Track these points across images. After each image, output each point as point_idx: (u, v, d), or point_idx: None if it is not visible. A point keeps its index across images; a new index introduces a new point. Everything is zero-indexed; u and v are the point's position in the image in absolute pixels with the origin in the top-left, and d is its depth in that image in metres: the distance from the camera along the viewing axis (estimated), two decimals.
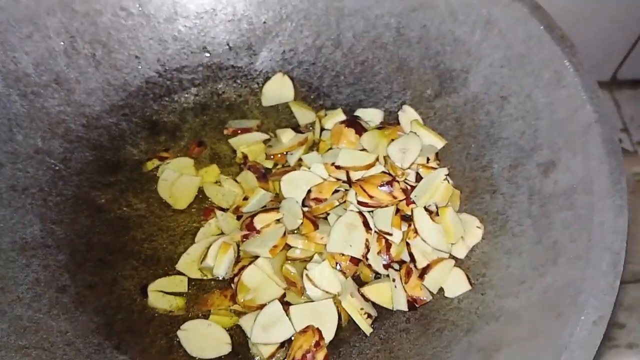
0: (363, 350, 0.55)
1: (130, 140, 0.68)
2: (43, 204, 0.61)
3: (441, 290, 0.56)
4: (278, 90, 0.72)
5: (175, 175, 0.64)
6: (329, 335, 0.54)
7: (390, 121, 0.68)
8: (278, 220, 0.58)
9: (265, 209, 0.60)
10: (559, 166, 0.54)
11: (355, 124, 0.65)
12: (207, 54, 0.72)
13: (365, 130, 0.64)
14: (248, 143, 0.67)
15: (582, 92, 0.54)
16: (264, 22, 0.72)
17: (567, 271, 0.48)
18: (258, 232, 0.58)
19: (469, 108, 0.63)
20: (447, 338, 0.52)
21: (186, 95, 0.71)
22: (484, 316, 0.51)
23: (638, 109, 0.96)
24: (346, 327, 0.57)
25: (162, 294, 0.58)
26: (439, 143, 0.64)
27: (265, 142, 0.68)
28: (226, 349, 0.55)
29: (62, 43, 0.66)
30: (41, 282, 0.57)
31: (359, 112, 0.68)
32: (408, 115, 0.66)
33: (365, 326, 0.55)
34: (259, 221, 0.58)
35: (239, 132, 0.68)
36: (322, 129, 0.68)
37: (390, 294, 0.56)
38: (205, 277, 0.59)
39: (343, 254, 0.55)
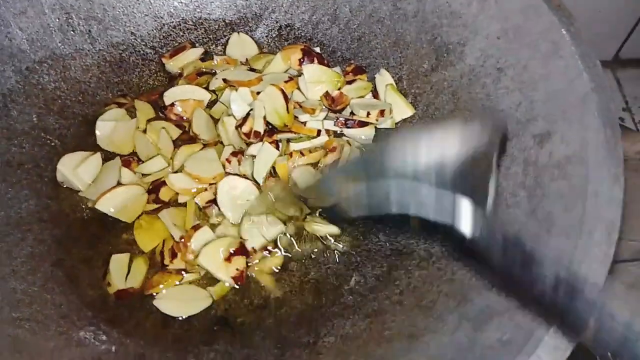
0: (356, 322, 0.55)
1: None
2: (39, 179, 0.62)
3: (434, 261, 0.56)
4: (240, 49, 0.72)
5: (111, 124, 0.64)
6: None
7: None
8: None
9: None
10: (554, 137, 0.53)
11: (310, 53, 0.67)
12: (203, 30, 0.72)
13: (320, 63, 0.67)
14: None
15: (579, 62, 0.53)
16: None
17: (561, 241, 0.47)
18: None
19: (465, 81, 0.62)
20: (439, 309, 0.52)
21: (182, 72, 0.71)
22: (476, 287, 0.51)
23: None
24: (340, 300, 0.57)
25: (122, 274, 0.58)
26: (407, 112, 0.65)
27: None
28: (208, 301, 0.57)
29: (57, 19, 0.66)
30: (36, 256, 0.57)
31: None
32: (384, 78, 0.67)
33: None
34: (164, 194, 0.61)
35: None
36: None
37: None
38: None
39: None
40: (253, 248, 0.58)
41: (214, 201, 0.60)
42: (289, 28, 0.72)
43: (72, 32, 0.67)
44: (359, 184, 0.48)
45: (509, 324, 0.45)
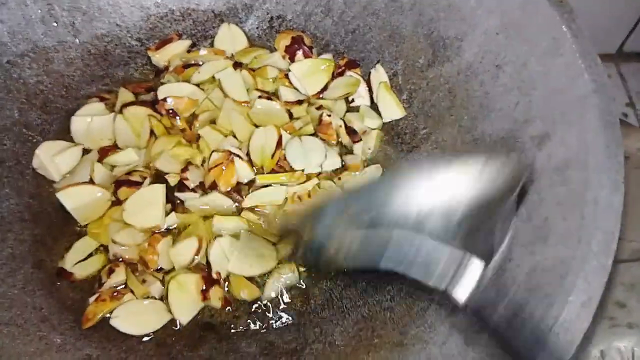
0: (346, 328, 0.54)
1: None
2: (20, 177, 0.60)
3: None
4: (229, 41, 0.69)
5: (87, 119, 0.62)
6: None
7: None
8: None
9: (128, 181, 0.58)
10: (553, 139, 0.51)
11: (299, 42, 0.66)
12: (191, 22, 0.69)
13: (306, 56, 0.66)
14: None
15: (579, 60, 0.50)
16: None
17: (558, 250, 0.45)
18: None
19: (463, 78, 0.60)
20: (430, 318, 0.50)
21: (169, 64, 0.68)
22: None
23: None
24: (329, 305, 0.55)
25: (81, 263, 0.56)
26: (397, 113, 0.64)
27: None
28: (167, 316, 0.54)
29: (39, 10, 0.63)
30: (17, 257, 0.56)
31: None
32: (379, 75, 0.66)
33: None
34: (122, 194, 0.58)
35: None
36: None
37: None
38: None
39: None
40: (218, 273, 0.56)
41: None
42: (280, 19, 0.70)
43: (55, 24, 0.64)
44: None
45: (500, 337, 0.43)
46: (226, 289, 0.56)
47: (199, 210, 0.58)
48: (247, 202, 0.59)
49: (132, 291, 0.55)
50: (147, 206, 0.56)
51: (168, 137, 0.61)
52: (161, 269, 0.56)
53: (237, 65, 0.65)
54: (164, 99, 0.63)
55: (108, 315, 0.54)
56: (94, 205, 0.58)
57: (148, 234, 0.56)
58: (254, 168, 0.60)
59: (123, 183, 0.58)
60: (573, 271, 0.43)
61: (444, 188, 0.38)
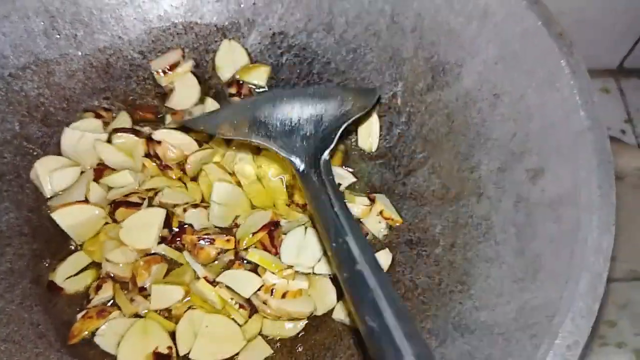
0: (337, 353, 0.55)
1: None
2: (20, 190, 0.60)
3: (419, 293, 0.55)
4: (230, 58, 0.69)
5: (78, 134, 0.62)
6: None
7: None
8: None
9: (127, 202, 0.58)
10: (547, 174, 0.51)
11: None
12: (194, 35, 0.70)
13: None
14: None
15: (576, 96, 0.50)
16: (254, 3, 0.69)
17: (546, 289, 0.46)
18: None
19: (461, 104, 0.60)
20: None
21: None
22: (459, 327, 0.50)
23: None
24: (322, 328, 0.56)
25: (72, 278, 0.57)
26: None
27: None
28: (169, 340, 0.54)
29: (42, 23, 0.64)
30: (15, 272, 0.57)
31: None
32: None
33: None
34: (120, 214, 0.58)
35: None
36: None
37: None
38: None
39: None
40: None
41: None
42: (282, 35, 0.70)
43: (57, 37, 0.65)
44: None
45: None
46: None
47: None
48: (221, 278, 0.56)
49: (119, 309, 0.55)
50: (143, 227, 0.57)
51: (161, 177, 0.61)
52: (144, 289, 0.56)
53: None
54: (159, 142, 0.62)
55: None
56: (89, 224, 0.58)
57: (141, 255, 0.57)
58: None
59: (121, 204, 0.58)
60: (561, 312, 0.43)
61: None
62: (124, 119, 0.65)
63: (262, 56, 0.70)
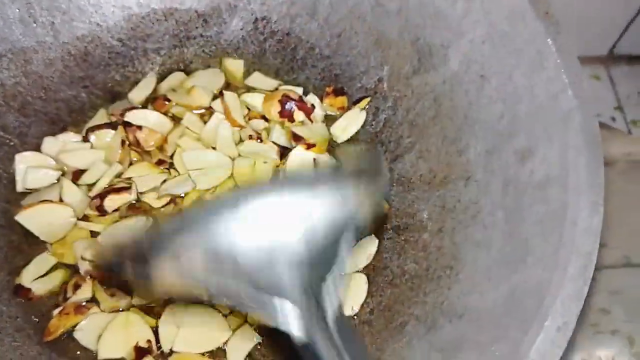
0: None
1: (91, 113, 0.64)
2: None
3: (407, 279, 0.54)
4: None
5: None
6: None
7: None
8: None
9: (115, 188, 0.57)
10: (536, 155, 0.50)
11: (287, 100, 0.63)
12: (174, 22, 0.68)
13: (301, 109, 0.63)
14: None
15: (563, 75, 0.49)
16: None
17: (536, 272, 0.45)
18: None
19: (448, 87, 0.59)
20: (408, 334, 0.50)
21: (151, 66, 0.67)
22: (448, 313, 0.49)
23: (634, 86, 0.91)
24: None
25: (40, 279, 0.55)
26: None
27: None
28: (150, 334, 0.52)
29: (17, 10, 0.62)
30: None
31: None
32: None
33: None
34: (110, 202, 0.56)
35: None
36: None
37: None
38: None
39: None
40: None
41: None
42: (265, 21, 0.68)
43: (34, 24, 0.63)
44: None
45: None
46: None
47: None
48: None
49: (98, 305, 0.54)
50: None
51: (141, 164, 0.60)
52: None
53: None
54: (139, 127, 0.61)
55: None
56: (57, 224, 0.56)
57: None
58: None
59: (110, 192, 0.57)
60: (550, 294, 0.42)
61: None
62: (101, 117, 0.64)
63: (244, 43, 0.69)
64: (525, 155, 0.51)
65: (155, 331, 0.53)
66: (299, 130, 0.61)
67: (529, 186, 0.50)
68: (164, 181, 0.59)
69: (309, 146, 0.60)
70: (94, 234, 0.57)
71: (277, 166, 0.61)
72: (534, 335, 0.41)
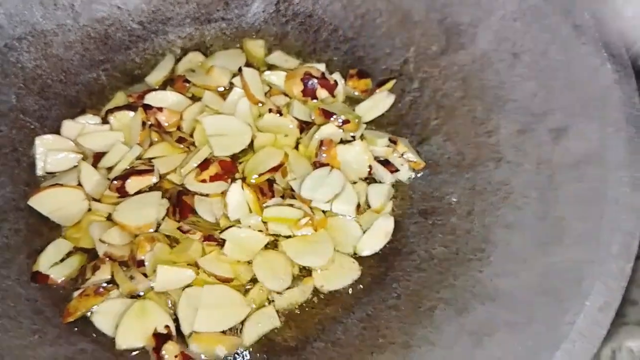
0: (349, 327, 0.51)
1: (110, 96, 0.63)
2: (16, 164, 0.58)
3: (435, 264, 0.52)
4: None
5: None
6: None
7: None
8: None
9: (137, 170, 0.56)
10: (571, 133, 0.48)
11: (309, 77, 0.61)
12: (195, 5, 0.67)
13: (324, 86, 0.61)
14: None
15: (602, 49, 0.47)
16: None
17: (574, 252, 0.43)
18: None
19: (477, 67, 0.57)
20: (438, 318, 0.48)
21: (171, 49, 0.66)
22: (479, 296, 0.47)
23: None
24: (332, 302, 0.53)
25: (58, 265, 0.54)
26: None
27: None
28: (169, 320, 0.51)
29: None
30: (11, 247, 0.54)
31: None
32: None
33: None
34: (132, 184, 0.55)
35: None
36: None
37: None
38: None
39: None
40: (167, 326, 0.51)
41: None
42: (286, 3, 0.67)
43: (54, 6, 0.62)
44: None
45: (511, 342, 0.41)
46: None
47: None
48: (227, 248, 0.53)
49: (117, 287, 0.53)
50: (141, 208, 0.54)
51: (160, 144, 0.59)
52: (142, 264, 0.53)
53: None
54: (160, 109, 0.60)
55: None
56: (71, 207, 0.55)
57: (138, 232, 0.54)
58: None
59: (131, 174, 0.55)
60: (590, 274, 0.40)
61: None
62: (120, 99, 0.62)
63: (266, 25, 0.68)
64: (560, 134, 0.49)
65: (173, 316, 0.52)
66: (328, 107, 0.60)
67: (564, 165, 0.48)
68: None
69: (344, 122, 0.59)
70: (109, 218, 0.56)
71: (298, 139, 0.60)
72: (573, 315, 0.39)
